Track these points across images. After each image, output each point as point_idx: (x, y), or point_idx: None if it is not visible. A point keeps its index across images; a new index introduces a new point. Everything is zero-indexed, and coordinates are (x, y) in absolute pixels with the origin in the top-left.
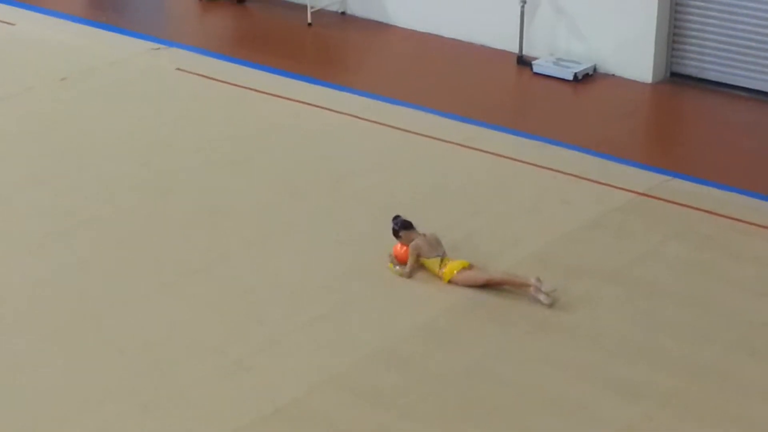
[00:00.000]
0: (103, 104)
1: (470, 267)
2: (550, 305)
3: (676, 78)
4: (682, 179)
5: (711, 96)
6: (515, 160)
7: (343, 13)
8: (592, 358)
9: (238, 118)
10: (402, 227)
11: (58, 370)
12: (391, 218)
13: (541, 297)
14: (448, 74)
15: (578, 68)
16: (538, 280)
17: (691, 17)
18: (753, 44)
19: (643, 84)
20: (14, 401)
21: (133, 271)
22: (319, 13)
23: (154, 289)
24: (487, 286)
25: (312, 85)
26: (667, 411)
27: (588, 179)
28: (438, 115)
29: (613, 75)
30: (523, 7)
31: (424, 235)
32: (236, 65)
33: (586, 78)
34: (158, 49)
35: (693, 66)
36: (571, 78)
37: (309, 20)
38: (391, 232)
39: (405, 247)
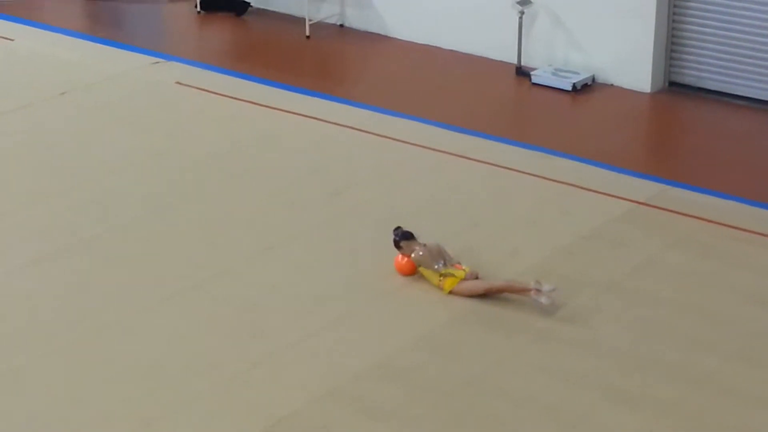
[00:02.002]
0: (103, 119)
1: (470, 274)
2: (551, 305)
3: (674, 87)
4: (681, 188)
5: (709, 105)
6: (514, 170)
7: (341, 26)
8: (591, 368)
9: (237, 131)
10: (403, 238)
11: (57, 387)
12: (392, 230)
13: (542, 299)
14: (447, 85)
15: (577, 78)
16: (538, 282)
17: (689, 27)
18: (751, 53)
19: (642, 94)
20: (15, 420)
21: (132, 287)
22: (318, 26)
23: (152, 304)
24: (488, 295)
25: (311, 98)
26: (667, 421)
27: (587, 189)
28: (437, 127)
29: (612, 85)
30: (521, 17)
31: (425, 245)
32: (235, 78)
33: (585, 88)
34: (157, 63)
35: (691, 75)
36: (569, 88)
37: (307, 33)
38: (391, 243)
39: (406, 258)
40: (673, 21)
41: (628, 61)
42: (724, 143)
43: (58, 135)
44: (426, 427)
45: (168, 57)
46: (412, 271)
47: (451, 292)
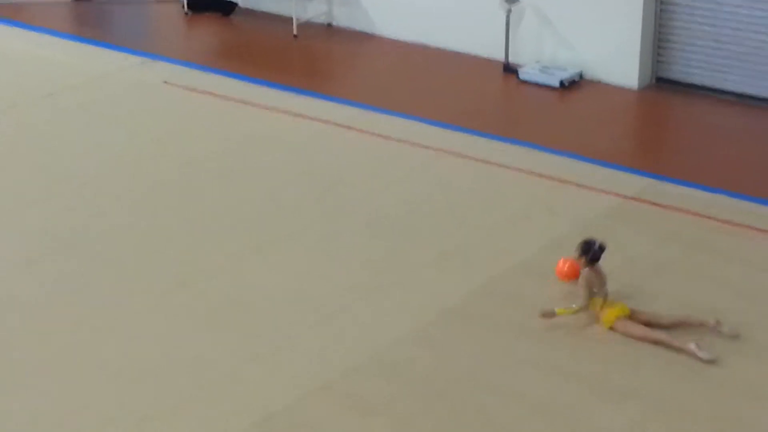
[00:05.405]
0: (90, 119)
1: (631, 314)
2: (735, 336)
3: (661, 83)
4: (670, 182)
5: (696, 100)
6: (503, 167)
7: (329, 25)
8: (581, 363)
9: (226, 130)
10: (594, 259)
11: (51, 388)
12: (589, 240)
13: (724, 329)
14: (435, 83)
15: (564, 75)
16: (718, 322)
17: (675, 23)
18: (738, 48)
19: (629, 90)
20: (10, 421)
21: (122, 288)
22: (305, 25)
23: (144, 304)
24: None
25: (299, 96)
26: (658, 415)
27: (576, 184)
28: (425, 124)
29: (599, 81)
30: (508, 14)
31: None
32: (223, 78)
33: (573, 85)
34: (145, 63)
35: (678, 71)
36: (557, 85)
37: (295, 32)
38: (381, 242)
39: (569, 263)
40: (660, 17)
41: (616, 57)
42: (711, 138)
43: (45, 136)
44: (417, 423)
45: (155, 57)
46: (571, 279)
47: (611, 329)
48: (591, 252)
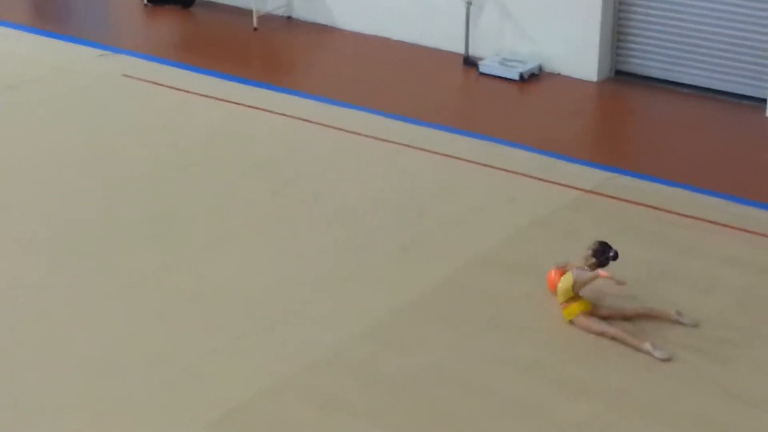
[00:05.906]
0: (51, 112)
1: (592, 309)
2: (695, 325)
3: (620, 76)
4: (628, 176)
5: (655, 93)
6: (462, 160)
7: (289, 18)
8: (541, 357)
9: (186, 123)
10: (602, 263)
11: (8, 382)
12: (606, 244)
13: (685, 320)
14: (395, 76)
15: (524, 68)
16: (679, 313)
17: (634, 16)
18: (695, 41)
19: (589, 82)
20: None
21: (82, 282)
22: (265, 18)
23: (102, 298)
24: (603, 336)
25: (259, 89)
26: (617, 409)
27: (535, 178)
28: (385, 117)
29: (559, 74)
30: (468, 8)
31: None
32: (183, 71)
33: (532, 77)
34: (104, 55)
35: (637, 64)
36: (517, 78)
37: (255, 25)
38: (337, 234)
39: (560, 274)
40: (619, 10)
41: (575, 50)
42: (669, 131)
43: (5, 129)
44: (378, 418)
45: (115, 49)
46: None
47: (571, 322)
48: (604, 256)
